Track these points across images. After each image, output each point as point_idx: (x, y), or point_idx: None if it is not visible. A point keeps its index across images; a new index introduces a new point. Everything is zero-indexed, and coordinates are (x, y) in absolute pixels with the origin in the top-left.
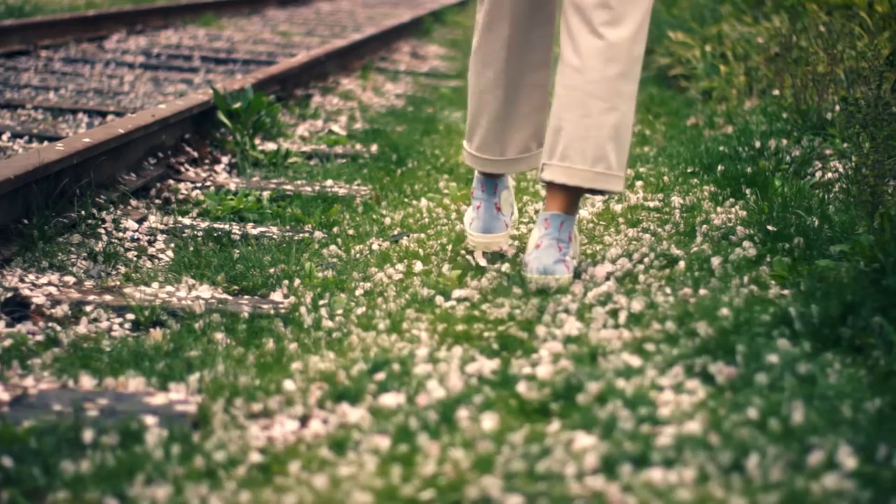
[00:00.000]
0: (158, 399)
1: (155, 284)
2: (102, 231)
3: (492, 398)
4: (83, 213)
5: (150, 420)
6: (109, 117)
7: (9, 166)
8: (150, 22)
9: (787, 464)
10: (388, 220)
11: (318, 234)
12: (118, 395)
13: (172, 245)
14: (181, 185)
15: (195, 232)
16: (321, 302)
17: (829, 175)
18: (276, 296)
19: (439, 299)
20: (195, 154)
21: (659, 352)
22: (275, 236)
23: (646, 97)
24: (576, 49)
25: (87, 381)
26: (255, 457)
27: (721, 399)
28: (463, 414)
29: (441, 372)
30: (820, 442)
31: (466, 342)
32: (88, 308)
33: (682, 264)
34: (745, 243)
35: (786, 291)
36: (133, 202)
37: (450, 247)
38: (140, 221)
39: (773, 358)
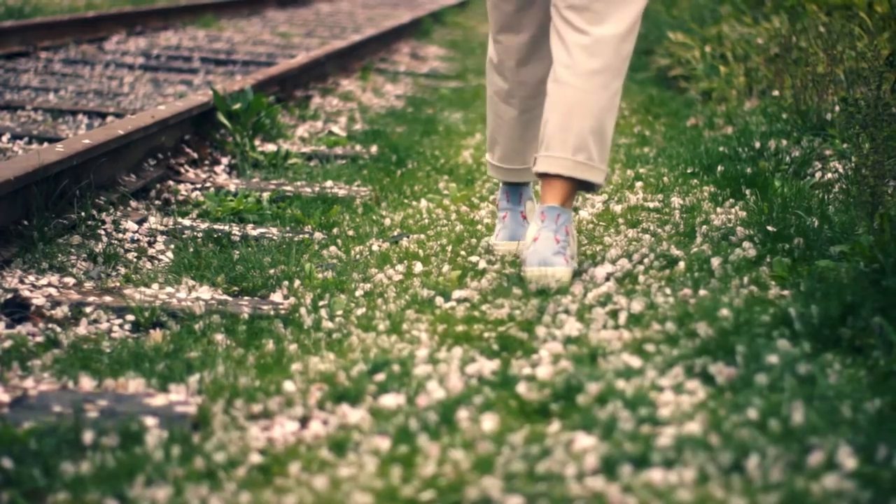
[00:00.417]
0: (158, 400)
1: (155, 285)
2: (102, 232)
3: (492, 399)
4: (83, 214)
5: (150, 421)
6: (109, 118)
7: (9, 167)
8: (150, 23)
9: (787, 464)
10: (387, 221)
11: (317, 235)
12: (118, 396)
13: (172, 246)
14: (181, 187)
15: (195, 233)
16: (321, 303)
17: (829, 175)
18: (276, 297)
19: (439, 300)
20: (195, 155)
21: (659, 352)
22: (275, 237)
23: (645, 98)
24: (565, 47)
25: (87, 383)
26: (255, 458)
27: (721, 399)
28: (463, 415)
29: (441, 373)
30: (820, 442)
31: (466, 343)
32: (88, 309)
33: (681, 265)
34: (745, 244)
35: (786, 292)
36: (133, 203)
37: (450, 248)
38: (140, 222)
39: (772, 358)
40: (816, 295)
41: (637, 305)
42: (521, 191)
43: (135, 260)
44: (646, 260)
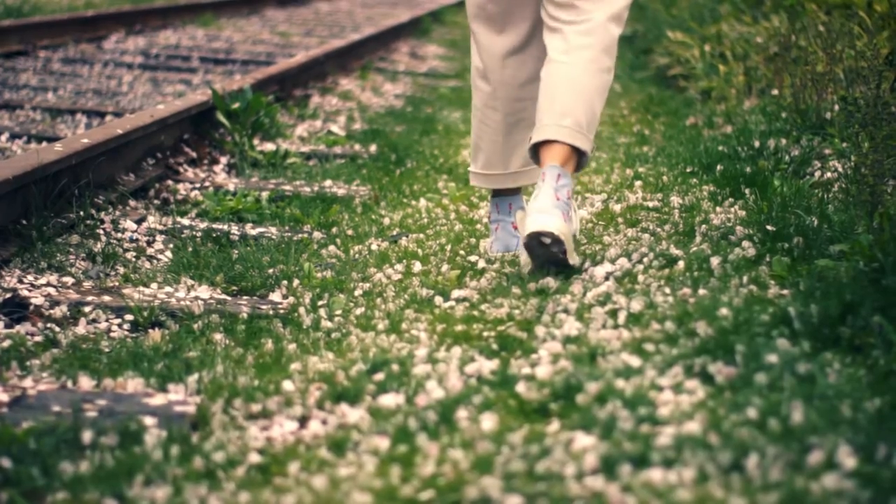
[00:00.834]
0: (157, 400)
1: (154, 285)
2: (101, 231)
3: (491, 398)
4: (82, 213)
5: (148, 421)
6: (108, 118)
7: (8, 167)
8: (149, 22)
9: (787, 464)
10: (386, 221)
11: (316, 235)
12: (117, 395)
13: (171, 245)
14: (180, 186)
15: (194, 232)
16: (320, 302)
17: (829, 175)
18: (275, 296)
19: (438, 299)
20: (194, 154)
21: (658, 352)
22: (273, 237)
23: (645, 97)
24: (558, 34)
25: (85, 382)
26: (254, 457)
27: (720, 399)
28: (462, 414)
29: (440, 372)
30: (820, 442)
31: (465, 342)
32: (87, 309)
33: (681, 264)
34: (745, 243)
35: (785, 291)
36: (132, 203)
37: (449, 247)
38: (139, 222)
39: (772, 358)
40: (816, 294)
41: (636, 305)
42: (511, 201)
43: (134, 259)
44: (645, 259)
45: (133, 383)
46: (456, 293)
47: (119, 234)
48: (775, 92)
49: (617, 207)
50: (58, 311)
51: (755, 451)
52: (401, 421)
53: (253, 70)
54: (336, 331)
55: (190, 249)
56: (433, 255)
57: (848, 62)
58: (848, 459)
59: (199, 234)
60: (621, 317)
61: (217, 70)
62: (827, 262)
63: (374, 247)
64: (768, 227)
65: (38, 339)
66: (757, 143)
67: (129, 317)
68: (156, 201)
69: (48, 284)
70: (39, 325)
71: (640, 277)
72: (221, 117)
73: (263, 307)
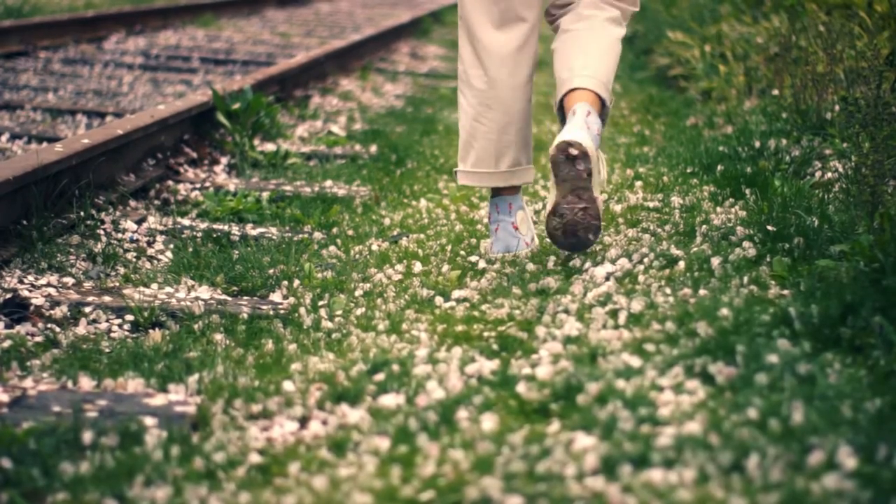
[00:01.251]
0: (158, 400)
1: (154, 285)
2: (101, 232)
3: (491, 399)
4: (82, 214)
5: (149, 421)
6: (108, 118)
7: (8, 167)
8: (149, 23)
9: (788, 464)
10: (387, 221)
11: (317, 235)
12: (117, 396)
13: (171, 246)
14: (180, 186)
15: (194, 233)
16: (320, 303)
17: (829, 175)
18: (276, 297)
19: (439, 300)
20: (194, 155)
21: (659, 352)
22: (274, 237)
23: (645, 97)
24: (572, 11)
25: (86, 383)
26: (255, 458)
27: (721, 399)
28: (462, 415)
29: (440, 372)
30: (820, 442)
31: (466, 343)
32: (87, 309)
33: (681, 264)
34: (745, 243)
35: (786, 291)
36: (132, 203)
37: (449, 247)
38: (139, 222)
39: (772, 358)
40: (816, 294)
41: (637, 305)
42: (511, 201)
43: (134, 260)
44: (646, 259)
45: (133, 384)
46: (456, 293)
47: (119, 235)
48: (776, 92)
49: (617, 208)
50: (58, 312)
51: (756, 452)
52: (401, 421)
53: (253, 70)
54: (336, 331)
55: (190, 250)
56: (433, 255)
57: (848, 62)
58: (848, 460)
59: (199, 234)
60: (622, 317)
61: (217, 70)
62: (827, 263)
63: (374, 247)
64: (769, 228)
65: (39, 339)
66: (757, 144)
67: (129, 317)
68: (156, 202)
69: (48, 285)
70: (40, 325)
71: (641, 278)
72: (222, 118)
73: (264, 307)
